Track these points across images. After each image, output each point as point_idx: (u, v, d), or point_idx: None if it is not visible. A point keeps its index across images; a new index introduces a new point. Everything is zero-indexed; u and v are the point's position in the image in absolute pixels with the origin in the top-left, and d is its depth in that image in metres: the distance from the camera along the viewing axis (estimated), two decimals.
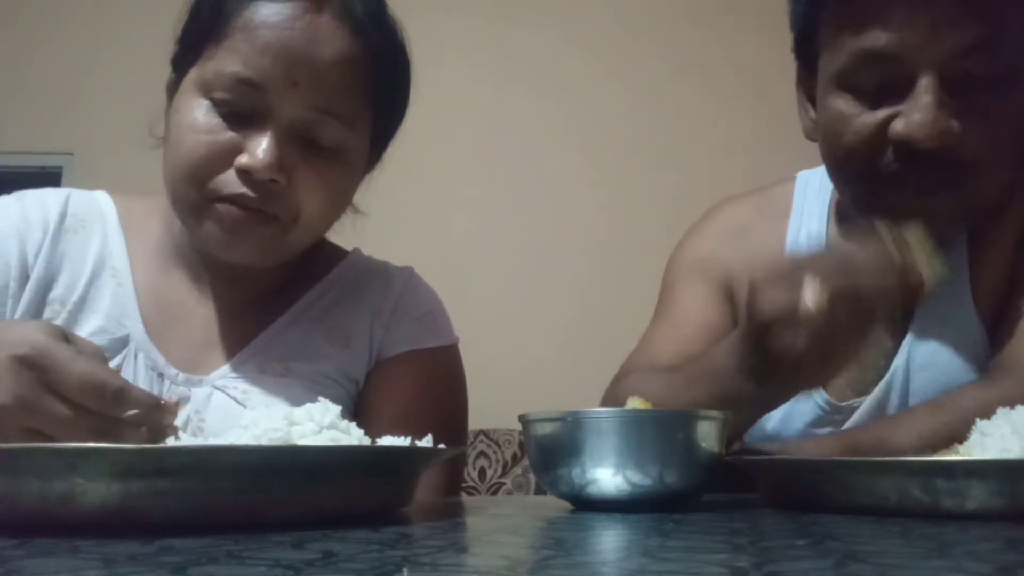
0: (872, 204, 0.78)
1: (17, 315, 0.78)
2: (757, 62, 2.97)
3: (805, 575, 0.30)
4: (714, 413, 0.58)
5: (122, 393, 0.55)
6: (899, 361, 0.82)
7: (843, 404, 0.84)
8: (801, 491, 0.58)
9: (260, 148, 0.72)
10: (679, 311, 0.94)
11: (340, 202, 0.82)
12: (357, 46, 0.76)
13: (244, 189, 0.72)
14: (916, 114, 0.71)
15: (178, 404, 0.59)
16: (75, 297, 0.80)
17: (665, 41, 3.02)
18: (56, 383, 0.54)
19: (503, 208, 2.96)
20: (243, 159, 0.72)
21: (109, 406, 0.55)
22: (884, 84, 0.73)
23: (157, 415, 0.56)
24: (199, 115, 0.73)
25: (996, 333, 0.80)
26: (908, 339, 0.83)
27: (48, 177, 2.81)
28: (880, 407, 0.83)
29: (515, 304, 2.87)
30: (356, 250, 0.94)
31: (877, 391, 0.83)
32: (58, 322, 0.77)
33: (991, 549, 0.37)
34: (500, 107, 3.00)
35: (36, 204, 0.83)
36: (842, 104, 0.76)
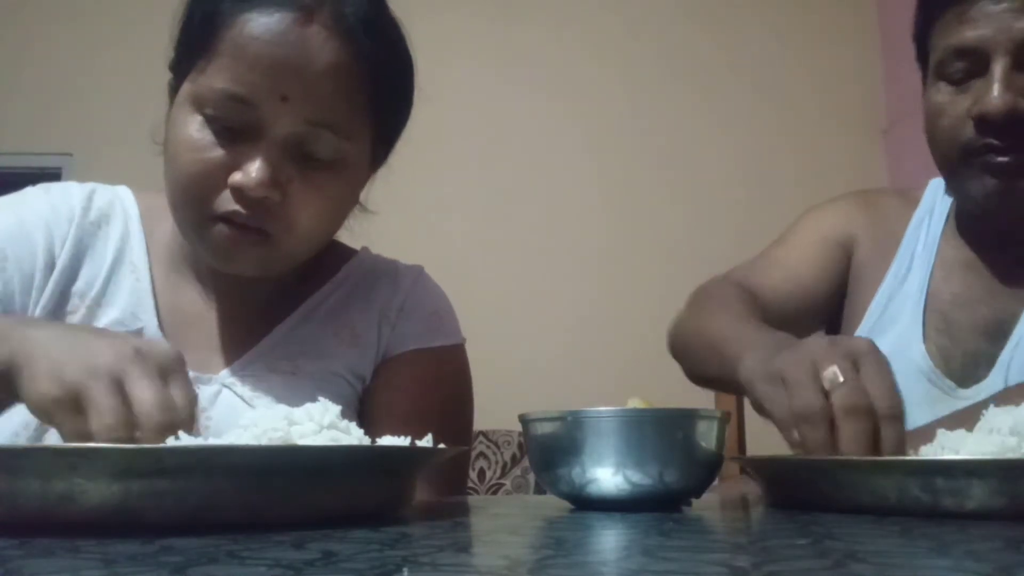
0: (963, 177, 0.88)
1: (40, 306, 0.79)
2: (758, 62, 2.98)
3: (805, 575, 0.30)
4: (714, 413, 0.58)
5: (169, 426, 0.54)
6: (998, 366, 0.88)
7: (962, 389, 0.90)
8: (801, 491, 0.58)
9: (253, 166, 0.71)
10: (800, 251, 1.04)
11: (339, 212, 0.81)
12: (350, 54, 0.74)
13: (238, 207, 0.72)
14: (986, 91, 0.84)
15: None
16: (94, 292, 0.81)
17: (667, 42, 3.02)
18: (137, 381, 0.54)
19: (504, 208, 2.96)
20: (236, 177, 0.71)
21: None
22: (970, 73, 0.86)
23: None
24: (192, 131, 0.73)
25: None
26: (1014, 333, 0.89)
27: (47, 178, 2.80)
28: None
29: (515, 304, 2.87)
30: (364, 249, 0.94)
31: (982, 385, 0.88)
32: (77, 316, 0.79)
33: (991, 549, 0.37)
34: (501, 107, 3.00)
35: (62, 196, 0.84)
36: (938, 95, 0.89)
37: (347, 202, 0.82)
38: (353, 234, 0.89)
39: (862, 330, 0.97)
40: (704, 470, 0.58)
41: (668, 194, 2.94)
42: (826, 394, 0.60)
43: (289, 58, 0.71)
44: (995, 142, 0.84)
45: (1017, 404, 0.56)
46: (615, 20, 3.04)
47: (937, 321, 0.93)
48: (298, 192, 0.74)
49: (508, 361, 2.63)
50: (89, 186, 0.87)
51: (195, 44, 0.74)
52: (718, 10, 3.02)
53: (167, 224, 0.85)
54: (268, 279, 0.82)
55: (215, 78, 0.72)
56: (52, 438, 0.70)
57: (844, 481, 0.54)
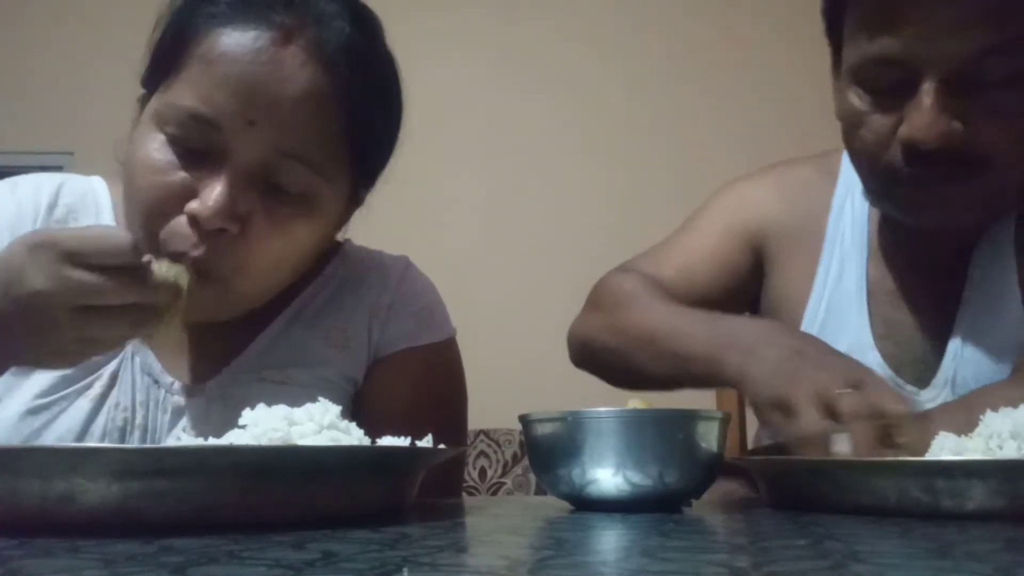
0: (885, 198, 0.81)
1: None
2: (761, 60, 2.97)
3: (805, 575, 0.30)
4: (714, 413, 0.58)
5: (137, 244, 0.57)
6: (949, 356, 0.84)
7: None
8: (801, 491, 0.58)
9: (211, 193, 0.66)
10: (700, 237, 0.97)
11: (301, 255, 0.75)
12: (328, 82, 0.69)
13: (190, 244, 0.66)
14: (917, 117, 0.73)
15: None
16: None
17: (668, 39, 3.02)
18: (75, 253, 0.56)
19: (505, 207, 2.96)
20: (193, 205, 0.66)
21: (133, 256, 0.57)
22: (895, 84, 0.75)
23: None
24: (152, 150, 0.68)
25: None
26: (957, 326, 0.84)
27: None
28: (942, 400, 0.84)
29: (516, 304, 2.87)
30: (347, 241, 0.90)
31: (935, 386, 0.84)
32: None
33: (991, 549, 0.37)
34: (502, 105, 3.00)
35: (28, 193, 0.79)
36: (856, 100, 0.79)
37: (312, 245, 0.76)
38: (352, 232, 0.88)
39: None
40: (704, 471, 0.58)
41: (670, 192, 2.93)
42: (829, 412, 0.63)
43: (260, 79, 0.66)
44: (924, 172, 0.75)
45: (1013, 405, 0.56)
46: (617, 18, 3.04)
47: (879, 326, 0.87)
48: (258, 227, 0.68)
49: (509, 361, 2.62)
50: (58, 179, 0.82)
51: (164, 59, 0.70)
52: (721, 8, 3.02)
53: None
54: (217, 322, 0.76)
55: (180, 95, 0.68)
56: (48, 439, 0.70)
57: (844, 482, 0.54)
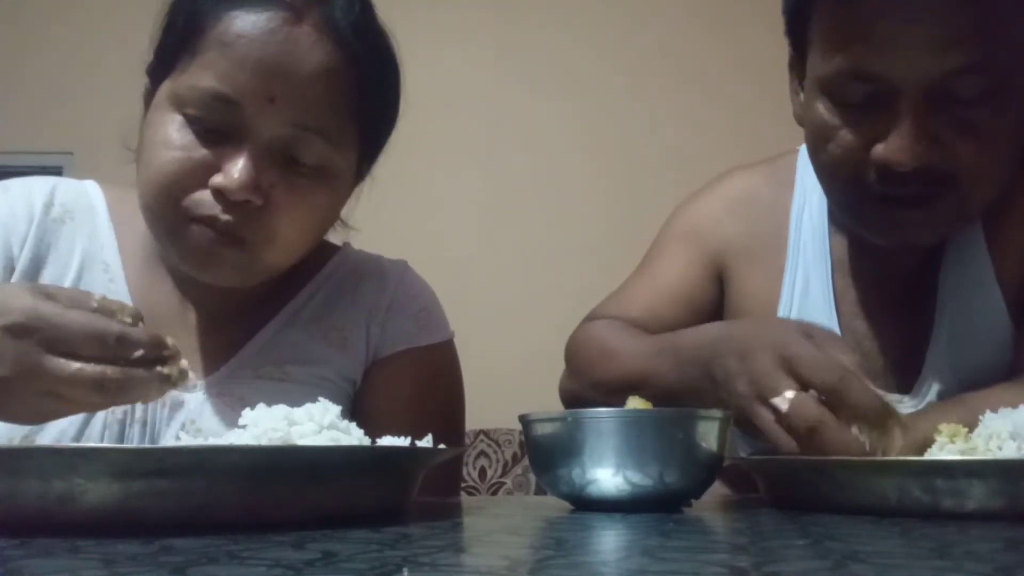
0: (853, 213, 0.80)
1: None
2: (761, 60, 2.97)
3: (805, 575, 0.30)
4: (714, 413, 0.58)
5: (124, 336, 0.54)
6: (931, 359, 0.83)
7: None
8: (801, 491, 0.58)
9: (235, 167, 0.69)
10: (662, 274, 0.95)
11: (322, 223, 0.79)
12: (340, 58, 0.73)
13: (217, 210, 0.70)
14: (896, 139, 0.71)
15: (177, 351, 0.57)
16: None
17: (669, 40, 3.02)
18: (55, 340, 0.53)
19: (505, 207, 2.96)
20: (217, 179, 0.69)
21: (115, 350, 0.54)
22: (869, 98, 0.73)
23: (160, 352, 0.55)
24: (172, 131, 0.71)
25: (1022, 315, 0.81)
26: (937, 331, 0.83)
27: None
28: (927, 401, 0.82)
29: (516, 303, 2.87)
30: (347, 244, 0.92)
31: (919, 393, 0.83)
32: None
33: (991, 549, 0.37)
34: (502, 104, 3.00)
35: (22, 194, 0.81)
36: (827, 112, 0.76)
37: (329, 213, 0.80)
38: (350, 229, 0.88)
39: None
40: (704, 470, 0.58)
41: (669, 192, 2.93)
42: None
43: (278, 57, 0.70)
44: (897, 192, 0.73)
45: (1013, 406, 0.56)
46: (616, 16, 3.04)
47: (848, 338, 0.85)
48: (280, 198, 0.71)
49: (509, 360, 2.62)
50: (52, 181, 0.84)
51: (178, 43, 0.72)
52: (721, 7, 3.02)
53: (139, 220, 0.81)
54: (244, 288, 0.79)
55: (199, 77, 0.70)
56: (44, 441, 0.70)
57: (844, 481, 0.54)
